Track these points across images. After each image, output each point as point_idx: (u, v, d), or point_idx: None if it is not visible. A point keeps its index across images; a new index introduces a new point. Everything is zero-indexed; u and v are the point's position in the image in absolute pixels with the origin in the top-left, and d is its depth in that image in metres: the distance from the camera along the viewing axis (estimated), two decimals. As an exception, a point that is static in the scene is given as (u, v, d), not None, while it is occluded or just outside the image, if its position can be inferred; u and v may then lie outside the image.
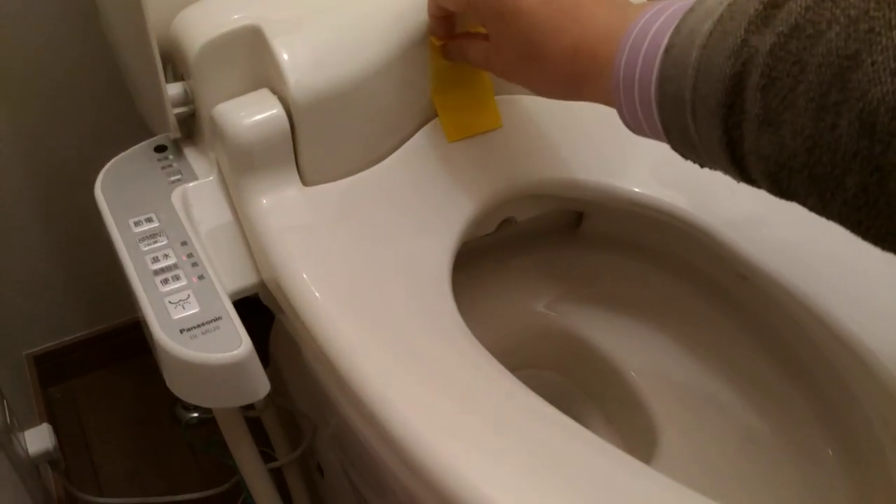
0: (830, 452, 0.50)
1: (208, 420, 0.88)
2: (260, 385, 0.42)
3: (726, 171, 0.33)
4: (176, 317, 0.41)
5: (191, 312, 0.41)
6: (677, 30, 0.32)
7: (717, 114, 0.30)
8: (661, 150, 0.56)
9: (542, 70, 0.40)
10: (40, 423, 0.67)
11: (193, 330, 0.40)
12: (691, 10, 0.31)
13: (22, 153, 0.72)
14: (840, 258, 0.49)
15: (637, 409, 0.59)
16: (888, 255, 0.43)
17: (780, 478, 0.52)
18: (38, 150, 0.73)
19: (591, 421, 0.64)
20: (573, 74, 0.38)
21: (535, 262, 0.66)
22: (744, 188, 0.50)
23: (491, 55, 0.44)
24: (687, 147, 0.34)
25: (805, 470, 0.51)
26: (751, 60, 0.28)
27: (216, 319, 0.41)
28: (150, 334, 0.41)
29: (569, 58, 0.38)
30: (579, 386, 0.66)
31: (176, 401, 0.89)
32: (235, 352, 0.40)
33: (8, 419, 0.59)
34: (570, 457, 0.37)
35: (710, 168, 0.34)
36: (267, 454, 0.75)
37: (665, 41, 0.32)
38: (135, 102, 0.63)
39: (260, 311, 0.53)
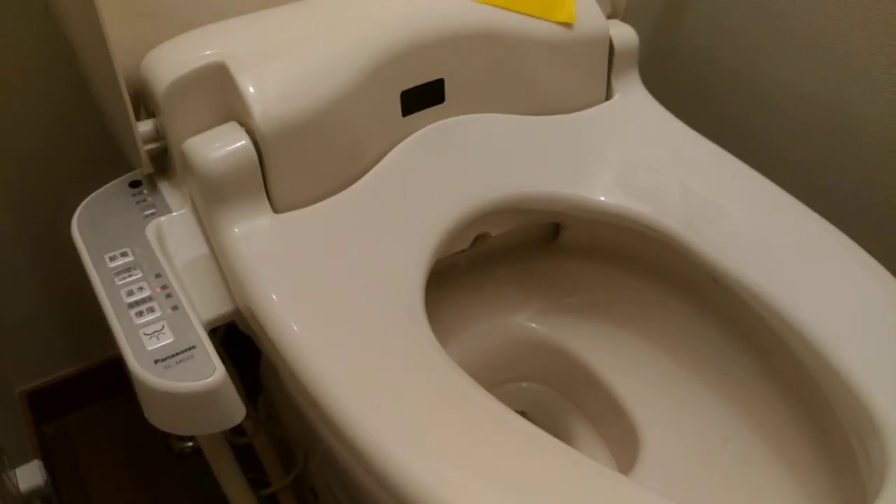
0: (807, 451, 0.50)
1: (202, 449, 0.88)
2: (235, 411, 0.43)
3: None
4: (150, 348, 0.42)
5: (165, 343, 0.42)
6: None
7: None
8: (622, 156, 0.58)
9: None
10: (33, 459, 0.68)
11: (168, 360, 0.41)
12: None
13: (4, 190, 0.74)
14: (792, 248, 0.51)
15: (620, 414, 0.60)
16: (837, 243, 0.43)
17: (760, 476, 0.52)
18: (22, 187, 0.74)
19: (577, 428, 0.64)
20: None
21: (514, 276, 0.67)
22: (695, 184, 0.51)
23: None
24: None
25: (784, 468, 0.51)
26: None
27: (190, 349, 0.42)
28: (126, 366, 0.42)
29: None
30: (564, 395, 0.67)
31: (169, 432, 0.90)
32: (209, 380, 0.40)
33: (-2, 457, 0.60)
34: (542, 470, 0.38)
35: None
36: (263, 481, 0.75)
37: None
38: (113, 138, 0.65)
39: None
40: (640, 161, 0.58)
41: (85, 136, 0.74)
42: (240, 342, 0.58)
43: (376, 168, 0.54)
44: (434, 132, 0.56)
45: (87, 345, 0.89)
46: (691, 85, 0.87)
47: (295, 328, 0.43)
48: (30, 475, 0.64)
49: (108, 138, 0.68)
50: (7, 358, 0.84)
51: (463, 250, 0.59)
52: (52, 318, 0.84)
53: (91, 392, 0.91)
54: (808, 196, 0.55)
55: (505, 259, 0.67)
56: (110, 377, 0.91)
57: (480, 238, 0.59)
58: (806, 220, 0.53)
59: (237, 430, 0.75)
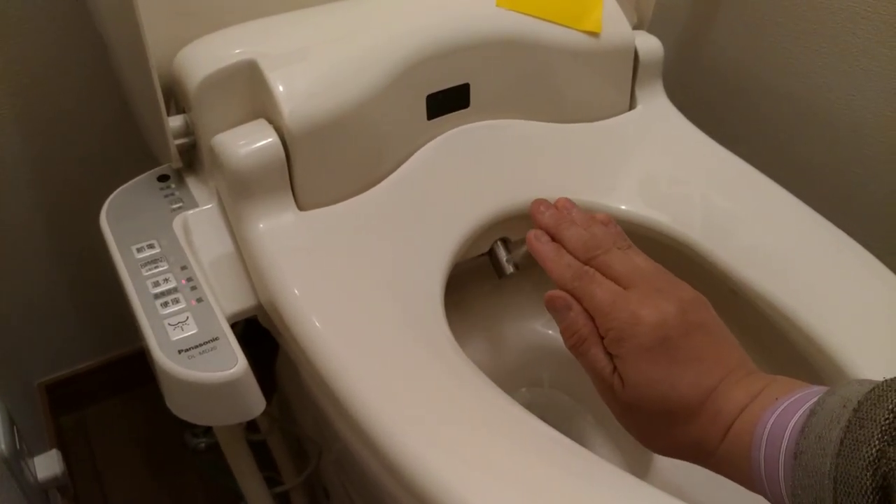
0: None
1: (216, 445, 0.89)
2: (255, 403, 0.43)
3: None
4: (175, 338, 0.42)
5: (189, 333, 0.43)
6: (804, 434, 0.30)
7: None
8: (644, 166, 0.58)
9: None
10: (51, 449, 0.69)
11: (191, 350, 0.42)
12: (812, 412, 0.30)
13: (31, 183, 0.75)
14: (813, 261, 0.51)
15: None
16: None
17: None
18: (48, 180, 0.76)
19: (592, 435, 0.64)
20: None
21: (533, 281, 0.67)
22: (716, 195, 0.51)
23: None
24: None
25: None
26: (892, 474, 0.26)
27: (213, 340, 0.42)
28: (150, 356, 0.42)
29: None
30: (580, 402, 0.67)
31: (185, 428, 0.91)
32: (231, 370, 0.41)
33: (17, 445, 0.61)
34: (559, 473, 0.38)
35: None
36: (275, 479, 0.76)
37: (786, 444, 0.30)
38: (141, 133, 0.66)
39: (271, 338, 0.54)
40: (661, 171, 0.58)
41: (113, 131, 0.75)
42: (255, 341, 0.59)
43: (400, 170, 0.54)
44: (458, 136, 0.57)
45: (106, 340, 0.90)
46: (714, 96, 0.87)
47: (317, 323, 0.44)
48: (47, 464, 0.65)
49: (136, 134, 0.70)
50: (27, 349, 0.85)
51: (483, 254, 0.59)
52: (72, 313, 0.86)
53: (109, 386, 0.92)
54: (830, 208, 0.55)
55: (523, 264, 0.67)
56: (128, 372, 0.92)
57: (501, 242, 0.60)
58: (826, 234, 0.53)
59: (252, 428, 0.75)
